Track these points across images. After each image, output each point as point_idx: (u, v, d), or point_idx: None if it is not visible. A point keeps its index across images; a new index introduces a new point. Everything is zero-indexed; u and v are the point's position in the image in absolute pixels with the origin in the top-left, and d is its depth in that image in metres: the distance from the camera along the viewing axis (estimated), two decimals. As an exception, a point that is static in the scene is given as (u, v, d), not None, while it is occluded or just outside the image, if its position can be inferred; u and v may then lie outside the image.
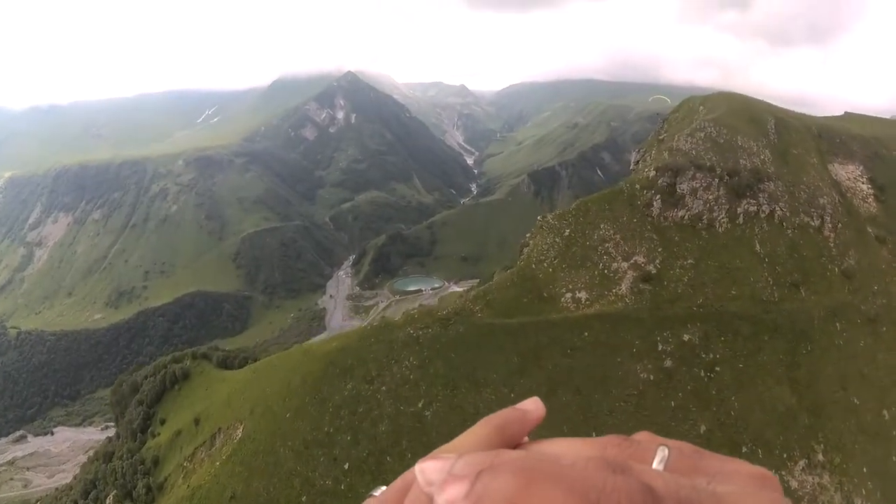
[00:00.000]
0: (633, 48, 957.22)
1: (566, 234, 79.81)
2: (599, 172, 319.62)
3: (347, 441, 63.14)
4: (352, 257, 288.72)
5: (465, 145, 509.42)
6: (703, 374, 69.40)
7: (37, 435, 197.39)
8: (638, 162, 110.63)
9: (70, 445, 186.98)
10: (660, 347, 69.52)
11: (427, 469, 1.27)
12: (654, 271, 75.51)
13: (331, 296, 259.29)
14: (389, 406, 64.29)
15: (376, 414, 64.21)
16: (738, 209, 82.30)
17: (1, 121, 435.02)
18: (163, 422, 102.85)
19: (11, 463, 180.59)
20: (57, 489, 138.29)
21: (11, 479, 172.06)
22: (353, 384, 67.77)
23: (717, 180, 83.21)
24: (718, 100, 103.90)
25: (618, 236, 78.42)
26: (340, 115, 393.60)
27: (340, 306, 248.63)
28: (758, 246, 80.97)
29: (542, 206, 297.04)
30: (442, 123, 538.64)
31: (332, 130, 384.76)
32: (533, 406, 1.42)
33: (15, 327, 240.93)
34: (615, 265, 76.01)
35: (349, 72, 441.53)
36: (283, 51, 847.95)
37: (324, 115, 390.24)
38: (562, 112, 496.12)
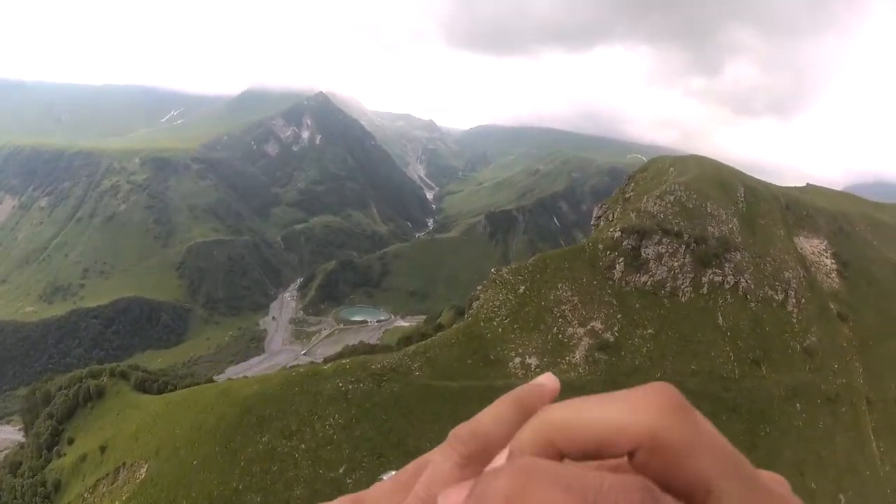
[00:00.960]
0: (600, 103, 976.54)
1: (520, 291, 72.77)
2: (556, 220, 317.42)
3: (257, 502, 54.42)
4: (299, 280, 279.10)
5: (427, 179, 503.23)
6: (655, 456, 62.67)
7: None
8: (600, 218, 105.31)
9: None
10: (612, 425, 62.44)
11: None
12: (611, 339, 68.98)
13: (273, 318, 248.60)
14: (307, 468, 55.89)
15: (291, 475, 55.84)
16: (703, 279, 77.03)
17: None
18: (71, 441, 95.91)
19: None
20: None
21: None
22: (270, 438, 59.95)
23: (683, 247, 77.98)
24: (689, 162, 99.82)
25: (575, 298, 71.83)
26: (306, 134, 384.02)
27: (282, 330, 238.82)
28: (720, 319, 75.67)
29: (496, 248, 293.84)
30: (406, 155, 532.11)
31: (295, 149, 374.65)
32: (547, 380, 1.44)
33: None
34: (570, 330, 69.19)
35: (320, 92, 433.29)
36: (258, 62, 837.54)
37: (289, 133, 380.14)
38: (524, 158, 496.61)
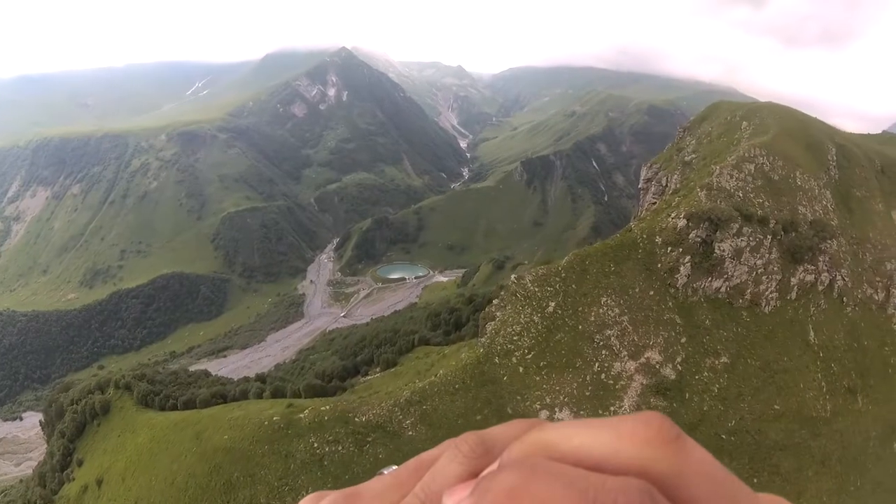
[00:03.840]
0: (638, 38, 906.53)
1: (550, 309, 52.40)
2: (594, 164, 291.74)
3: None
4: (335, 241, 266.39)
5: (460, 128, 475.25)
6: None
7: (6, 420, 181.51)
8: (650, 181, 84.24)
9: (38, 432, 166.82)
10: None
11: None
12: (673, 377, 49.54)
13: (311, 281, 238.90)
14: (277, 556, 40.84)
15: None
16: (793, 279, 56.28)
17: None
18: (80, 463, 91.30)
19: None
20: (21, 480, 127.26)
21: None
22: (237, 512, 46.18)
23: (769, 237, 56.61)
24: (765, 114, 75.40)
25: (625, 318, 51.72)
26: (332, 92, 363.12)
27: (320, 293, 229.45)
28: (812, 333, 55.50)
29: (534, 196, 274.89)
30: (437, 105, 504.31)
31: (322, 108, 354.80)
32: None
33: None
34: (618, 366, 49.51)
35: (343, 48, 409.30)
36: (278, 24, 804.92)
37: (315, 92, 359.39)
38: (560, 99, 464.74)
